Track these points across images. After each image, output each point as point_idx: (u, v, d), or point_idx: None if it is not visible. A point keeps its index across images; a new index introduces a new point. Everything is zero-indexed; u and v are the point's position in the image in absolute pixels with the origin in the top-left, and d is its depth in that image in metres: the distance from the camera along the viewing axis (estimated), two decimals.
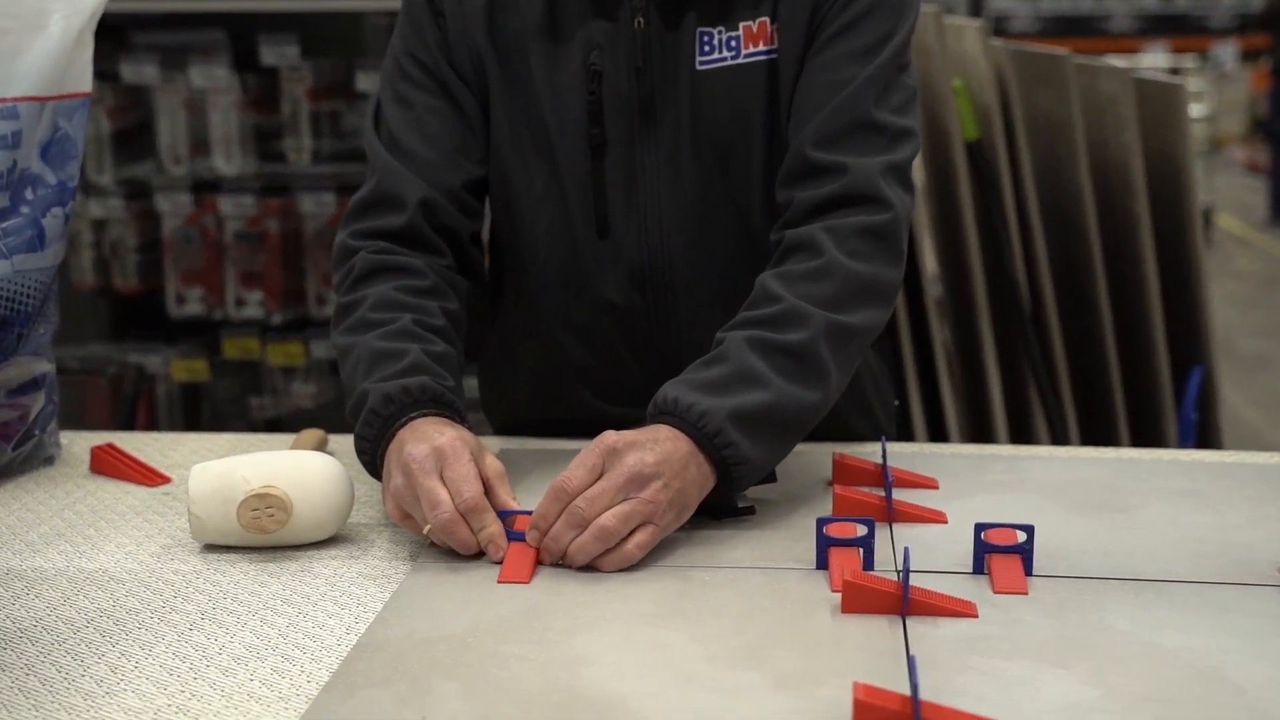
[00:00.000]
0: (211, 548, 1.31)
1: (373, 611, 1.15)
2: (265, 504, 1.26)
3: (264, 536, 1.28)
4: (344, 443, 1.64)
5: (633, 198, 1.48)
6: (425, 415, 1.32)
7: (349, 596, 1.19)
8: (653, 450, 1.24)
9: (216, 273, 3.45)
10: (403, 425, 1.30)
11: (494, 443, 1.65)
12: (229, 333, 3.54)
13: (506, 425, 1.65)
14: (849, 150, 1.40)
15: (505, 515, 1.25)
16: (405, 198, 1.48)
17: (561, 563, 1.23)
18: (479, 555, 1.24)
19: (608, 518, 1.21)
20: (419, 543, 1.31)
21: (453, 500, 1.23)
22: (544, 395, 1.59)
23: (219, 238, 3.44)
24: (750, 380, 1.30)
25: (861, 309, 1.36)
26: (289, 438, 1.62)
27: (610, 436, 1.24)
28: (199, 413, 3.64)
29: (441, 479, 1.24)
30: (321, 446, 1.58)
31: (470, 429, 1.33)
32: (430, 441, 1.26)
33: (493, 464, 1.29)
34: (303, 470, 1.29)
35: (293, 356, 3.52)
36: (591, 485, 1.22)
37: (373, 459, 1.33)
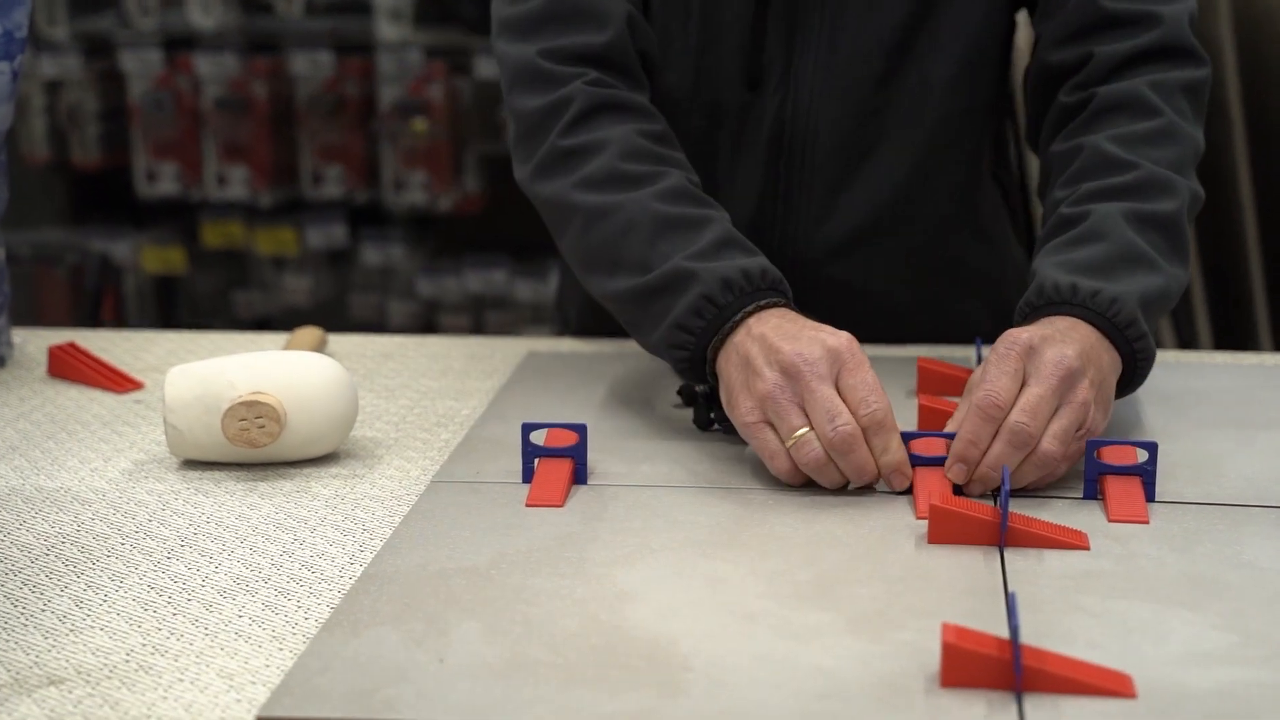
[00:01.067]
0: (191, 464, 1.32)
1: (380, 539, 1.16)
2: (255, 413, 1.27)
3: (253, 451, 1.29)
4: (345, 343, 1.65)
5: (792, 49, 1.50)
6: (774, 306, 1.29)
7: (352, 521, 1.20)
8: (1068, 342, 1.23)
9: (193, 146, 3.46)
10: (749, 314, 1.28)
11: (573, 344, 1.65)
12: (209, 216, 3.55)
13: (588, 325, 1.66)
14: None
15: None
16: (607, 7, 1.45)
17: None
18: (797, 488, 1.22)
19: (1049, 442, 1.19)
20: (435, 459, 1.32)
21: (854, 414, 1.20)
22: None
23: (195, 104, 3.44)
24: (1137, 260, 1.31)
25: (1194, 177, 1.40)
26: (282, 337, 1.63)
27: (1021, 334, 1.23)
28: (174, 309, 3.66)
29: (837, 388, 1.21)
30: (320, 348, 1.59)
31: None
32: (821, 342, 1.22)
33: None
34: (299, 375, 1.30)
35: (284, 244, 3.54)
36: (1020, 394, 1.21)
37: (697, 354, 1.30)
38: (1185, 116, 1.41)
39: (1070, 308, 1.27)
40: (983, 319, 1.61)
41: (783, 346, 1.22)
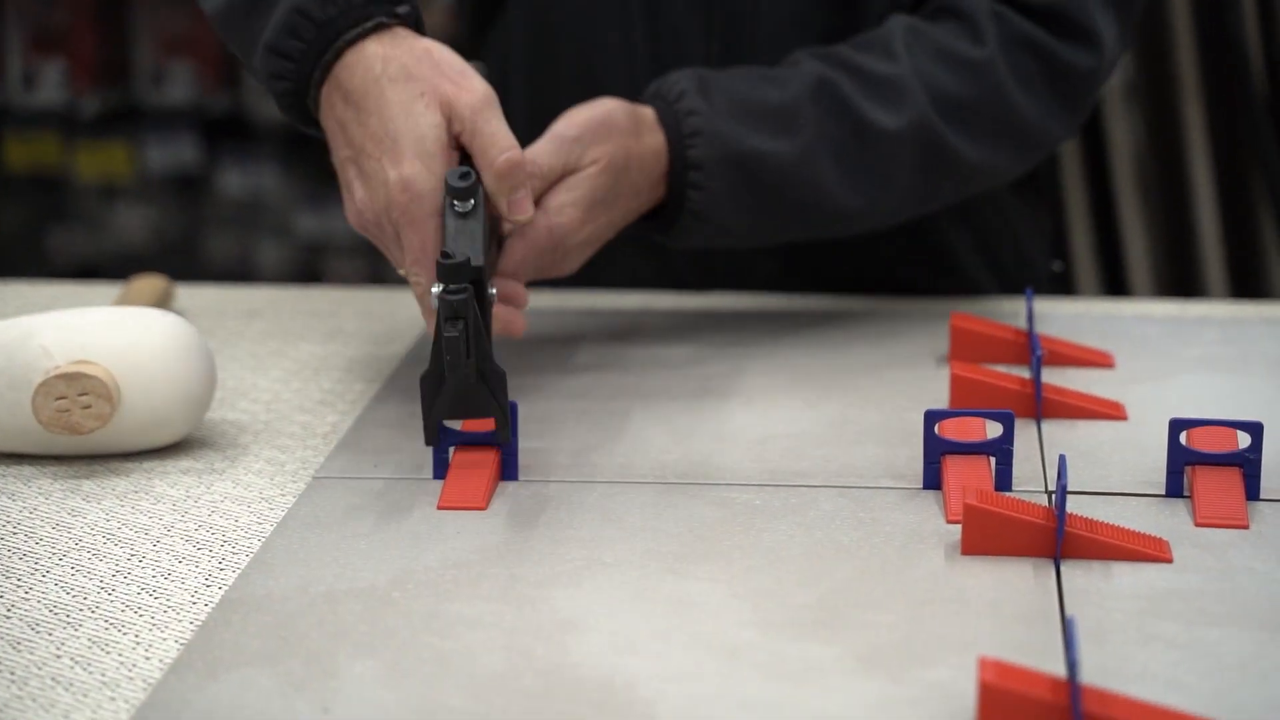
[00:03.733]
0: None
1: (246, 553, 1.17)
2: (77, 389, 1.27)
3: (76, 439, 1.29)
4: (198, 297, 1.65)
5: None
6: (377, 31, 1.34)
7: (209, 530, 1.21)
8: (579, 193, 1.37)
9: None
10: (350, 44, 1.34)
11: None
12: (12, 128, 3.54)
13: None
14: None
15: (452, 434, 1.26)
16: None
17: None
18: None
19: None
20: (318, 449, 1.33)
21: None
22: None
23: None
24: (785, 122, 1.40)
25: (990, 142, 1.45)
26: (114, 289, 1.63)
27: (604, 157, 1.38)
28: None
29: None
30: (165, 303, 1.59)
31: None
32: (384, 186, 1.30)
33: (474, 90, 1.32)
34: (136, 339, 1.30)
35: (114, 166, 3.53)
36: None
37: (299, 87, 1.37)
38: (1025, 80, 1.45)
39: (662, 108, 1.41)
40: (976, 264, 1.62)
41: (365, 167, 1.32)
